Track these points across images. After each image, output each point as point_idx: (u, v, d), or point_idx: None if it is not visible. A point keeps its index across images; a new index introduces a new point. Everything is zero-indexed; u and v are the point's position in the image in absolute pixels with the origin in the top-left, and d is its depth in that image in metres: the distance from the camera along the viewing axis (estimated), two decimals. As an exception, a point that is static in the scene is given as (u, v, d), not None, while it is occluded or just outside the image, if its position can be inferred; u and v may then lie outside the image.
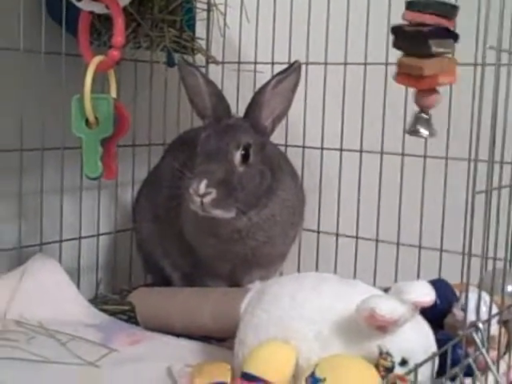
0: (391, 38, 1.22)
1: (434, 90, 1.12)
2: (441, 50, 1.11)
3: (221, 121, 1.38)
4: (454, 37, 1.11)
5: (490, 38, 1.00)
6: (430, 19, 1.08)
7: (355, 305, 0.96)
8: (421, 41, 1.09)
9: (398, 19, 1.21)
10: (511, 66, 1.04)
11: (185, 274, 1.54)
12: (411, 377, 0.89)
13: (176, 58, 1.44)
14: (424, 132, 1.13)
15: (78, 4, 1.34)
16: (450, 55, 1.12)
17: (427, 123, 1.13)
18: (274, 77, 1.37)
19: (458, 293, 1.27)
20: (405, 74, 1.12)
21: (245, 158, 1.33)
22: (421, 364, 0.91)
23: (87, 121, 1.36)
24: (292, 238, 1.50)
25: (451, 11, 1.09)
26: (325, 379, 0.90)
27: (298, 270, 1.67)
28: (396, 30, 1.11)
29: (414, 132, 1.13)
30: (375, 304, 0.93)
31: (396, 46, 1.13)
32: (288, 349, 0.99)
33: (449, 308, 1.22)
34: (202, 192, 1.27)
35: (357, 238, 1.61)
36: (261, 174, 1.36)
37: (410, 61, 1.11)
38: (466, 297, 1.03)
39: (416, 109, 1.15)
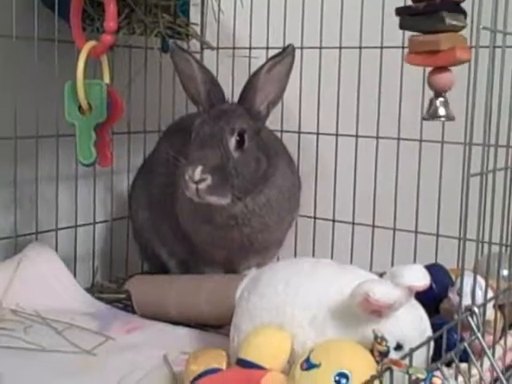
0: (386, 21, 1.21)
1: (447, 69, 1.09)
2: (454, 22, 1.06)
3: (216, 107, 1.37)
4: (464, 13, 1.09)
5: (485, 19, 0.99)
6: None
7: (350, 290, 0.95)
8: (433, 14, 1.05)
9: (391, 2, 1.20)
10: (505, 48, 1.03)
11: (181, 261, 1.54)
12: (406, 361, 0.88)
13: (169, 43, 1.43)
14: (445, 115, 1.10)
15: (70, -11, 1.34)
16: (462, 31, 1.09)
17: (445, 106, 1.10)
18: (267, 61, 1.36)
19: (454, 277, 1.27)
20: (418, 53, 1.08)
21: (240, 143, 1.33)
22: (416, 348, 0.91)
23: (80, 107, 1.35)
24: (288, 224, 1.50)
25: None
26: (320, 364, 0.89)
27: (295, 256, 1.67)
28: (403, 10, 1.08)
29: (433, 116, 1.10)
30: (370, 288, 0.92)
31: (405, 26, 1.08)
32: (283, 334, 0.99)
33: (445, 293, 1.21)
34: (197, 178, 1.26)
35: (353, 223, 1.61)
36: (256, 160, 1.35)
37: (425, 37, 1.07)
38: (461, 281, 1.02)
39: (431, 94, 1.12)
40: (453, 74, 1.08)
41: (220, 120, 1.33)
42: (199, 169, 1.26)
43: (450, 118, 1.09)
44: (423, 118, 1.10)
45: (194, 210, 1.38)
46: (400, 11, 1.09)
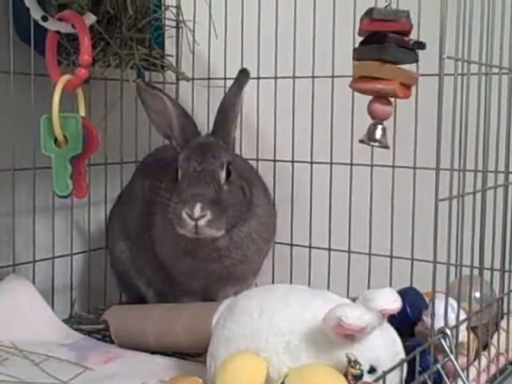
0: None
1: (390, 101, 1.13)
2: None
3: (193, 141, 1.39)
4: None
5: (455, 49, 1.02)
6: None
7: (323, 315, 0.97)
8: (410, 50, 1.10)
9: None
10: (469, 75, 1.06)
11: (159, 291, 1.53)
12: (380, 384, 0.89)
13: (140, 78, 1.45)
14: (381, 141, 1.14)
15: (44, 24, 1.36)
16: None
17: (384, 133, 1.14)
18: (231, 91, 1.40)
19: (428, 301, 1.28)
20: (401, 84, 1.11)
21: (227, 175, 1.35)
22: (388, 371, 0.92)
23: (56, 140, 1.37)
24: (265, 254, 1.51)
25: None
26: (294, 389, 0.90)
27: (273, 283, 1.67)
28: (394, 40, 1.09)
29: (371, 141, 1.14)
30: (342, 313, 0.94)
31: (391, 55, 1.09)
32: (258, 360, 1.00)
33: (419, 316, 1.23)
34: (197, 216, 1.27)
35: (329, 249, 1.63)
36: (241, 189, 1.38)
37: (405, 71, 1.11)
38: (433, 304, 1.04)
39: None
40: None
41: (206, 155, 1.34)
42: (198, 206, 1.27)
43: (385, 145, 1.12)
44: (359, 141, 1.13)
45: (175, 243, 1.38)
46: (390, 40, 1.10)
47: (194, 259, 1.39)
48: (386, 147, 1.14)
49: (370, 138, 1.12)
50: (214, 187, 1.31)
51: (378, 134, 1.12)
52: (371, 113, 1.12)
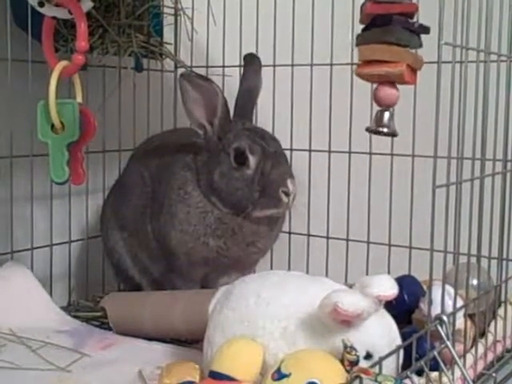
0: (355, 38, 1.22)
1: (396, 87, 1.12)
2: None
3: (238, 127, 1.41)
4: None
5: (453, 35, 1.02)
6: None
7: (319, 301, 0.97)
8: (414, 33, 1.09)
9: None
10: (467, 63, 1.05)
11: (154, 280, 1.53)
12: (375, 369, 0.89)
13: (186, 71, 1.44)
14: (389, 128, 1.12)
15: (41, 10, 1.35)
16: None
17: (391, 119, 1.12)
18: (251, 76, 1.44)
19: (426, 288, 1.28)
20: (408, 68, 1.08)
21: None
22: (384, 357, 0.92)
23: (53, 126, 1.36)
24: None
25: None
26: (290, 374, 0.90)
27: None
28: (399, 23, 1.07)
29: (379, 128, 1.11)
30: (338, 299, 0.94)
31: (392, 37, 1.07)
32: (255, 346, 1.00)
33: (416, 303, 1.23)
34: (292, 189, 1.34)
35: (327, 237, 1.63)
36: None
37: (411, 53, 1.09)
38: (430, 291, 1.04)
39: (379, 108, 1.14)
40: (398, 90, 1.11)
41: (265, 138, 1.40)
42: (290, 181, 1.34)
43: (392, 132, 1.10)
44: (366, 129, 1.12)
45: (206, 226, 1.40)
46: (395, 22, 1.07)
47: (225, 244, 1.40)
48: (394, 134, 1.11)
49: (377, 125, 1.09)
50: (289, 165, 1.40)
51: (386, 120, 1.09)
52: (377, 99, 1.10)
